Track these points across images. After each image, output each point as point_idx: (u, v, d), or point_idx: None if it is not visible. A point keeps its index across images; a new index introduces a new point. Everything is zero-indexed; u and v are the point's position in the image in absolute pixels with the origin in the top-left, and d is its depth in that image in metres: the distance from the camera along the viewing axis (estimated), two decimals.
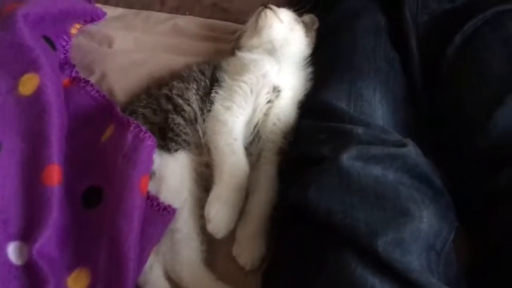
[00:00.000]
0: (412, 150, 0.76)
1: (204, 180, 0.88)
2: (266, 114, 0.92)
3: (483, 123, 0.81)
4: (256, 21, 0.98)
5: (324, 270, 0.67)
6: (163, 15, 1.20)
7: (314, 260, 0.69)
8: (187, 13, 1.21)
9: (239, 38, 1.04)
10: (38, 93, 0.86)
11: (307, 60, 1.00)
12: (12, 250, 0.78)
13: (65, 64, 1.00)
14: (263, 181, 0.88)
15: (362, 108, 0.86)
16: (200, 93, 0.93)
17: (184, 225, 0.83)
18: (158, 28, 1.17)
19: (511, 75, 0.84)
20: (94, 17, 1.11)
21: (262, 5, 1.00)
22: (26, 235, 0.78)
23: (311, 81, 0.97)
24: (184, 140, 0.88)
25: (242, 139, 0.90)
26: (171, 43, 1.12)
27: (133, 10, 1.22)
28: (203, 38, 1.15)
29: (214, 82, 0.94)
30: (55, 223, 0.79)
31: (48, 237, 0.78)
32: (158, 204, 0.82)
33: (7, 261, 0.77)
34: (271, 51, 0.97)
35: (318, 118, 0.86)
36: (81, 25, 1.09)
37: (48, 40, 0.97)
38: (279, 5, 1.04)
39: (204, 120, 0.91)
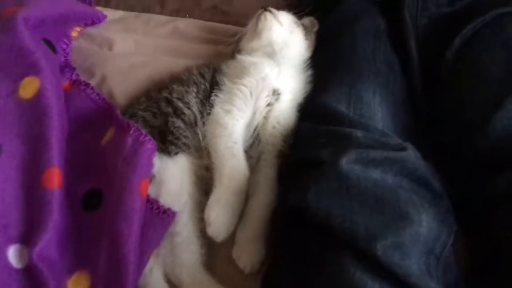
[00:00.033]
0: (411, 154, 0.76)
1: (204, 183, 0.88)
2: (266, 117, 0.93)
3: (483, 126, 0.81)
4: (256, 24, 0.98)
5: (323, 273, 0.67)
6: (163, 18, 1.21)
7: (313, 263, 0.69)
8: (187, 15, 1.22)
9: (239, 41, 1.04)
10: (39, 96, 0.87)
11: (307, 63, 1.00)
12: (12, 253, 0.78)
13: (66, 67, 1.00)
14: (262, 184, 0.88)
15: (362, 111, 0.86)
16: (200, 96, 0.93)
17: (184, 228, 0.83)
18: (158, 30, 1.17)
19: (510, 78, 0.84)
20: (94, 20, 1.11)
21: (262, 8, 1.00)
22: (26, 238, 0.79)
23: (311, 83, 0.97)
24: (184, 143, 0.88)
25: (242, 142, 0.90)
26: (171, 46, 1.13)
27: (133, 13, 1.22)
28: (203, 41, 1.15)
29: (214, 85, 0.94)
30: (55, 226, 0.79)
31: (48, 240, 0.78)
32: (158, 207, 0.82)
33: (7, 265, 0.77)
34: (271, 54, 0.97)
35: (317, 121, 0.86)
36: (82, 28, 1.09)
37: (48, 43, 0.98)
38: (279, 8, 1.04)
39: (204, 123, 0.91)
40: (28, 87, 0.87)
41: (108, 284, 0.76)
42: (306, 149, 0.83)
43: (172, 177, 0.86)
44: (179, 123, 0.89)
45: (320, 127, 0.84)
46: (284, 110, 0.93)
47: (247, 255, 0.83)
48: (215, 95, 0.93)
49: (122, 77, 1.03)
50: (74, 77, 1.00)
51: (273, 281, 0.77)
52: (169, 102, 0.92)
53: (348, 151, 0.74)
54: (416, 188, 0.73)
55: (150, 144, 0.84)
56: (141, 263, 0.78)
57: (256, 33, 0.98)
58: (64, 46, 1.02)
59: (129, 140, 0.84)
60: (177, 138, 0.88)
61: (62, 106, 0.90)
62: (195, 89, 0.94)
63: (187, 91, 0.93)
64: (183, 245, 0.83)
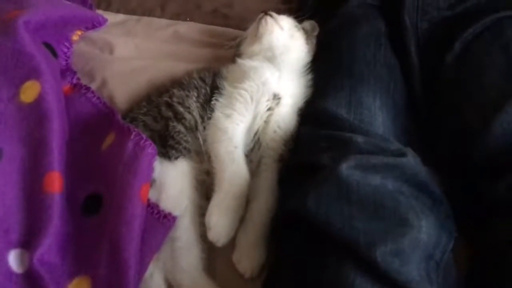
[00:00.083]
0: (411, 160, 0.76)
1: (205, 187, 0.88)
2: (266, 122, 0.92)
3: (482, 130, 0.81)
4: (257, 28, 0.98)
5: (323, 279, 0.67)
6: (164, 21, 1.21)
7: (313, 269, 0.69)
8: (188, 19, 1.22)
9: (239, 45, 1.04)
10: (39, 100, 0.87)
11: (307, 67, 1.00)
12: (13, 258, 0.78)
13: (66, 71, 1.01)
14: (263, 188, 0.88)
15: (362, 115, 0.86)
16: (201, 100, 0.93)
17: (184, 233, 0.84)
18: (159, 34, 1.17)
19: (510, 82, 0.84)
20: (95, 24, 1.11)
21: (262, 12, 1.00)
22: (27, 243, 0.79)
23: (311, 88, 0.97)
24: (185, 148, 0.88)
25: (242, 147, 0.90)
26: (172, 50, 1.13)
27: (134, 17, 1.22)
28: (203, 45, 1.15)
29: (214, 89, 0.94)
30: (56, 231, 0.80)
31: (49, 244, 0.78)
32: (159, 212, 0.83)
33: (8, 269, 0.77)
34: (271, 58, 0.97)
35: (318, 125, 0.87)
36: (83, 32, 1.09)
37: (49, 47, 0.98)
38: (279, 12, 1.04)
39: (204, 127, 0.91)
40: (29, 91, 0.88)
41: None
42: (306, 153, 0.83)
43: (172, 181, 0.86)
44: (179, 127, 0.89)
45: (320, 132, 0.84)
46: (285, 115, 0.93)
47: (248, 259, 0.83)
48: (216, 99, 0.93)
49: (122, 81, 1.03)
50: (74, 81, 1.00)
51: (274, 286, 0.77)
52: (169, 106, 0.92)
53: (348, 157, 0.74)
54: (416, 194, 0.73)
55: (150, 148, 0.84)
56: (142, 268, 0.78)
57: (256, 37, 0.98)
58: (65, 50, 1.02)
59: (130, 144, 0.84)
60: (178, 143, 0.88)
61: (63, 110, 0.91)
62: (195, 94, 0.94)
63: (187, 96, 0.93)
64: (184, 249, 0.83)
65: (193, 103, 0.92)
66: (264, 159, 0.92)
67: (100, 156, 0.89)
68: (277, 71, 0.95)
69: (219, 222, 0.83)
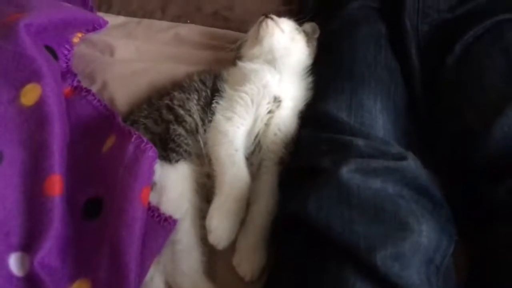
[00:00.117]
0: (411, 163, 0.76)
1: (205, 190, 0.88)
2: (267, 124, 0.92)
3: (483, 133, 0.81)
4: (258, 31, 0.98)
5: (323, 283, 0.67)
6: (164, 24, 1.21)
7: (313, 272, 0.69)
8: (188, 21, 1.22)
9: (240, 47, 1.04)
10: (40, 103, 0.87)
11: (308, 70, 1.00)
12: (13, 261, 0.78)
13: (67, 73, 1.01)
14: (263, 191, 0.88)
15: (363, 118, 0.86)
16: (201, 103, 0.93)
17: (185, 236, 0.83)
18: (160, 36, 1.17)
19: (510, 85, 0.84)
20: (96, 26, 1.12)
21: (263, 15, 1.00)
22: (28, 246, 0.79)
23: (312, 90, 0.97)
24: (186, 151, 0.88)
25: (243, 150, 0.90)
26: (172, 52, 1.13)
27: (134, 19, 1.22)
28: (204, 47, 1.15)
29: (215, 92, 0.94)
30: (57, 234, 0.80)
31: (49, 248, 0.78)
32: (159, 215, 0.83)
33: (8, 273, 0.77)
34: (272, 61, 0.97)
35: (318, 128, 0.87)
36: (83, 34, 1.10)
37: (50, 49, 0.98)
38: (280, 14, 1.04)
39: (205, 130, 0.91)
40: (30, 94, 0.88)
41: None
42: (307, 157, 0.83)
43: (173, 184, 0.86)
44: (180, 130, 0.89)
45: (321, 135, 0.84)
46: (285, 117, 0.93)
47: (248, 262, 0.83)
48: (216, 102, 0.93)
49: (123, 84, 1.03)
50: (75, 83, 1.00)
51: None
52: (170, 109, 0.92)
53: (348, 160, 0.74)
54: (417, 197, 0.73)
55: (151, 151, 0.84)
56: (142, 271, 0.78)
57: (257, 40, 0.98)
58: (66, 52, 1.03)
59: (130, 147, 0.84)
60: (179, 146, 0.88)
61: (64, 113, 0.91)
62: (196, 96, 0.94)
63: (188, 98, 0.93)
64: (184, 252, 0.83)
65: (194, 106, 0.92)
66: (265, 162, 0.91)
67: (101, 158, 0.89)
68: (278, 74, 0.95)
69: (220, 225, 0.83)
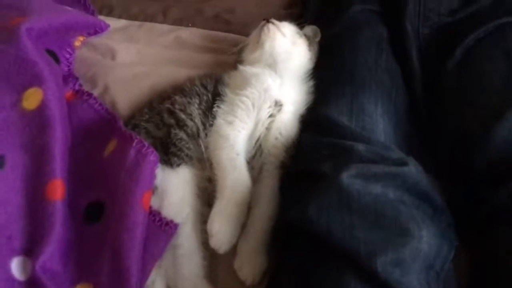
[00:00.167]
0: (412, 169, 0.76)
1: (207, 194, 0.89)
2: (268, 128, 0.93)
3: (483, 137, 0.81)
4: (259, 35, 0.98)
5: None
6: (165, 27, 1.21)
7: (314, 277, 0.70)
8: (190, 24, 1.22)
9: (241, 51, 1.04)
10: (42, 107, 0.87)
11: (309, 73, 1.00)
12: (15, 266, 0.78)
13: (69, 77, 1.01)
14: (264, 195, 0.88)
15: (364, 122, 0.86)
16: (202, 107, 0.93)
17: (186, 240, 0.84)
18: (161, 40, 1.17)
19: (511, 89, 0.84)
20: (97, 30, 1.12)
21: (264, 19, 1.00)
22: (30, 250, 0.79)
23: (313, 94, 0.97)
24: (187, 155, 0.89)
25: (244, 154, 0.90)
26: (173, 56, 1.13)
27: (136, 22, 1.23)
28: (205, 50, 1.15)
29: (216, 96, 0.94)
30: (58, 238, 0.80)
31: (51, 252, 0.78)
32: (160, 219, 0.83)
33: (10, 277, 0.77)
34: (273, 65, 0.97)
35: (319, 133, 0.87)
36: (85, 38, 1.09)
37: (51, 53, 0.98)
38: (281, 17, 1.05)
39: (206, 134, 0.91)
40: (32, 98, 0.88)
41: None
42: (307, 161, 0.83)
43: (174, 189, 0.86)
44: (181, 134, 0.90)
45: (321, 140, 0.84)
46: (286, 121, 0.93)
47: (249, 266, 0.83)
48: (217, 106, 0.93)
49: (124, 87, 1.03)
50: (77, 87, 1.00)
51: None
52: (171, 113, 0.92)
53: (349, 166, 0.74)
54: (417, 203, 0.74)
55: (152, 156, 0.84)
56: (144, 275, 0.78)
57: (258, 44, 0.98)
58: (67, 56, 1.03)
59: (132, 152, 0.84)
60: (180, 150, 0.88)
61: (65, 117, 0.91)
62: (197, 101, 0.94)
63: (189, 102, 0.93)
64: (186, 257, 0.83)
65: (195, 110, 0.93)
66: (266, 166, 0.92)
67: (102, 162, 0.89)
68: (279, 78, 0.95)
69: (221, 229, 0.83)
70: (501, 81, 0.86)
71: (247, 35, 1.06)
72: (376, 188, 0.72)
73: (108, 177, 0.86)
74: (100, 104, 0.98)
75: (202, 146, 0.90)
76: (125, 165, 0.83)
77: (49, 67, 0.92)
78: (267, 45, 0.97)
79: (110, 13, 1.25)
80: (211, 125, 0.92)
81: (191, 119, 0.91)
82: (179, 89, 0.97)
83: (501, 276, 0.73)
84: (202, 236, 0.85)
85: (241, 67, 0.98)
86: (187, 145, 0.89)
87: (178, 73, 1.06)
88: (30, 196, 0.82)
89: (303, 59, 1.00)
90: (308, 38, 1.04)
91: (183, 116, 0.91)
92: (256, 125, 0.92)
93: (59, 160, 0.85)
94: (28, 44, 0.91)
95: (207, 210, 0.86)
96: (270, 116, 0.93)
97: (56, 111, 0.88)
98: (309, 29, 1.06)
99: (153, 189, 0.85)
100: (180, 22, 1.23)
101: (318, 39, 1.05)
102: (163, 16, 1.24)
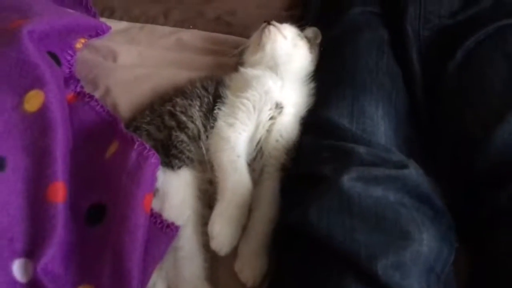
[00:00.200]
0: (413, 172, 0.76)
1: (207, 196, 0.89)
2: (268, 131, 0.93)
3: (483, 139, 0.81)
4: (260, 37, 0.99)
5: None
6: (167, 29, 1.21)
7: (315, 280, 0.70)
8: (191, 26, 1.22)
9: (242, 53, 1.04)
10: (43, 110, 0.87)
11: (310, 76, 1.00)
12: (17, 268, 0.78)
13: (70, 79, 1.01)
14: (265, 197, 0.88)
15: (365, 125, 0.86)
16: (203, 109, 0.94)
17: (187, 242, 0.84)
18: (162, 42, 1.18)
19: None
20: (99, 32, 1.11)
21: (265, 22, 1.00)
22: (31, 252, 0.79)
23: (314, 96, 0.97)
24: (188, 157, 0.89)
25: (245, 156, 0.90)
26: (175, 58, 1.13)
27: (137, 24, 1.23)
28: (206, 52, 1.15)
29: (217, 98, 0.95)
30: (60, 240, 0.80)
31: (52, 254, 0.79)
32: (162, 221, 0.83)
33: (12, 279, 0.77)
34: (274, 67, 0.97)
35: (320, 135, 0.87)
36: (86, 40, 1.09)
37: (53, 55, 0.98)
38: (282, 18, 1.05)
39: (207, 136, 0.91)
40: (33, 101, 0.88)
41: None
42: (308, 163, 0.84)
43: (175, 191, 0.86)
44: (182, 137, 0.90)
45: (322, 142, 0.84)
46: (287, 124, 0.93)
47: (250, 268, 0.83)
48: (218, 108, 0.93)
49: (126, 89, 1.04)
50: (78, 89, 1.00)
51: None
52: (172, 115, 0.92)
53: (350, 169, 0.74)
54: (417, 205, 0.74)
55: (154, 158, 0.84)
56: (145, 277, 0.79)
57: (259, 46, 0.98)
58: (69, 58, 1.03)
59: (133, 154, 0.84)
60: (181, 152, 0.89)
61: (67, 120, 0.91)
62: (198, 103, 0.94)
63: (190, 105, 0.93)
64: (187, 259, 0.83)
65: (196, 112, 0.93)
66: (267, 168, 0.92)
67: (104, 165, 0.89)
68: (280, 80, 0.95)
69: (222, 231, 0.83)
70: (501, 84, 0.86)
71: (248, 37, 1.07)
72: (377, 191, 0.72)
73: (109, 179, 0.86)
74: (102, 106, 0.98)
75: (203, 148, 0.90)
76: (126, 168, 0.83)
77: (51, 69, 0.92)
78: (268, 47, 0.97)
79: (111, 15, 1.25)
80: (212, 127, 0.92)
81: (192, 121, 0.92)
82: (180, 91, 0.98)
83: (501, 279, 0.73)
84: (203, 238, 0.85)
85: (242, 69, 0.99)
86: (188, 147, 0.89)
87: (179, 75, 1.06)
88: (32, 198, 0.83)
89: (304, 61, 1.00)
90: (309, 40, 1.04)
91: (184, 118, 0.92)
92: (257, 127, 0.92)
93: (61, 162, 0.85)
94: (29, 46, 0.91)
95: (208, 212, 0.86)
96: (271, 118, 0.93)
97: (57, 113, 0.88)
98: (310, 30, 1.06)
99: (154, 192, 0.85)
100: (181, 24, 1.23)
101: (319, 41, 1.05)
102: (164, 18, 1.24)
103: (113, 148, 0.90)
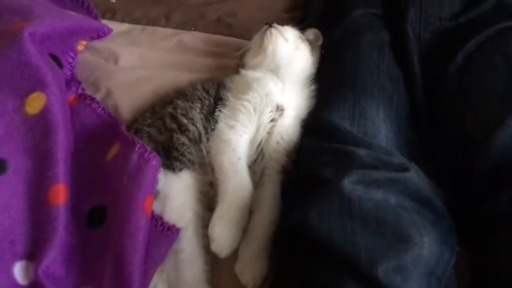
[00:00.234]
0: (414, 175, 0.76)
1: (208, 199, 0.89)
2: (269, 133, 0.93)
3: (484, 142, 0.81)
4: (261, 40, 0.99)
5: None
6: (168, 31, 1.21)
7: (314, 284, 0.70)
8: (192, 28, 1.22)
9: (243, 55, 1.04)
10: (45, 112, 0.88)
11: (311, 78, 1.00)
12: (18, 270, 0.79)
13: (71, 81, 1.01)
14: (266, 200, 0.88)
15: (366, 127, 0.86)
16: (204, 111, 0.94)
17: (188, 244, 0.84)
18: (163, 44, 1.18)
19: None
20: (100, 34, 1.12)
21: (266, 24, 1.00)
22: (32, 255, 0.79)
23: (315, 99, 0.97)
24: (189, 160, 0.89)
25: (245, 158, 0.90)
26: (176, 59, 1.13)
27: (138, 26, 1.23)
28: (207, 54, 1.16)
29: (218, 100, 0.95)
30: (61, 243, 0.80)
31: (53, 256, 0.79)
32: (162, 224, 0.83)
33: (13, 281, 0.78)
34: (275, 70, 0.97)
35: (321, 137, 0.87)
36: (88, 42, 1.10)
37: (54, 57, 0.99)
38: (283, 20, 1.05)
39: (208, 139, 0.91)
40: (35, 103, 0.88)
41: None
42: (309, 166, 0.84)
43: (176, 193, 0.86)
44: (183, 139, 0.90)
45: (323, 145, 0.84)
46: (288, 126, 0.93)
47: (250, 271, 0.83)
48: (219, 110, 0.94)
49: (127, 91, 1.04)
50: (79, 91, 1.01)
51: None
52: (173, 118, 0.93)
53: (351, 171, 0.74)
54: (418, 208, 0.74)
55: (155, 161, 0.84)
56: (146, 280, 0.79)
57: (261, 49, 0.99)
58: (70, 60, 1.03)
59: (134, 156, 0.84)
60: (182, 155, 0.89)
61: (68, 122, 0.91)
62: (199, 105, 0.94)
63: (191, 107, 0.93)
64: (187, 261, 0.83)
65: (197, 115, 0.93)
66: (267, 170, 0.92)
67: (105, 167, 0.90)
68: (281, 83, 0.96)
69: (223, 234, 0.83)
70: (502, 86, 0.86)
71: (249, 39, 1.07)
72: (378, 194, 0.72)
73: (110, 181, 0.86)
74: (103, 108, 0.98)
75: (204, 151, 0.90)
76: (127, 170, 0.84)
77: (52, 71, 0.93)
78: (269, 50, 0.98)
79: (113, 17, 1.25)
80: (213, 130, 0.92)
81: (193, 124, 0.92)
82: (181, 93, 0.98)
83: (501, 282, 0.73)
84: (203, 240, 0.85)
85: (243, 71, 0.99)
86: (189, 150, 0.90)
87: (180, 77, 1.06)
88: (33, 200, 0.83)
89: (305, 64, 1.00)
90: (310, 42, 1.04)
91: (185, 120, 0.92)
92: (257, 129, 0.93)
93: (62, 164, 0.85)
94: (31, 48, 0.91)
95: (209, 214, 0.86)
96: (272, 120, 0.93)
97: (59, 115, 0.88)
98: (311, 32, 1.06)
99: (155, 194, 0.85)
100: (182, 26, 1.23)
101: (320, 42, 1.06)
102: (165, 20, 1.25)
103: (114, 150, 0.90)
